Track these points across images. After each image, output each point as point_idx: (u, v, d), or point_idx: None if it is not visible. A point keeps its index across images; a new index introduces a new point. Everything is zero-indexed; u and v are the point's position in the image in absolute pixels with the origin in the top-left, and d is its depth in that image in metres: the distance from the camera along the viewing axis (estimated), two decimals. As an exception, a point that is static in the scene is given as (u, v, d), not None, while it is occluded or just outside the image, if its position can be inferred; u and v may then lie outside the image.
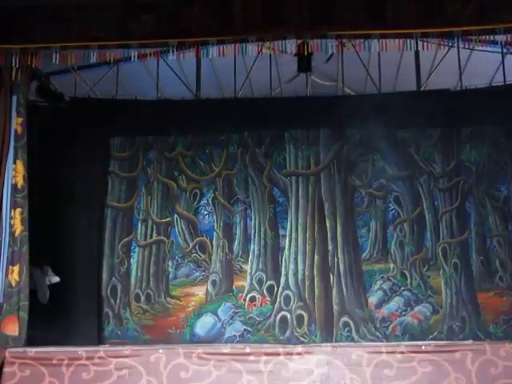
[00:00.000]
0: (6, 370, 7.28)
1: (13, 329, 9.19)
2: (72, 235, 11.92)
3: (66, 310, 10.88)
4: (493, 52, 11.67)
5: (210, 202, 12.98)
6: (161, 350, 7.52)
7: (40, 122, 11.12)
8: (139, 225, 12.91)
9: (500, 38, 10.26)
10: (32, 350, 7.79)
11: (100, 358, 7.46)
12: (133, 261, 12.75)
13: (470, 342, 7.90)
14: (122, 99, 13.32)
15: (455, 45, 10.78)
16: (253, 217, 12.79)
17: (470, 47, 11.25)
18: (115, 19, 9.82)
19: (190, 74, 13.82)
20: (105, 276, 12.58)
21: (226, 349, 7.62)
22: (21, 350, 7.91)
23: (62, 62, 10.82)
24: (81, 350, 7.65)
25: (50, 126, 11.83)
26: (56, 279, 11.02)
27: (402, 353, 7.27)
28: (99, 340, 11.69)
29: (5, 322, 9.17)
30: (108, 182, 12.97)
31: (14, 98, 9.97)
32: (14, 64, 9.95)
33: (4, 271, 9.37)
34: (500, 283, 12.00)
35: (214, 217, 12.91)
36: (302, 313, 11.99)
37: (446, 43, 10.46)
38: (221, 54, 10.41)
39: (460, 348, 7.32)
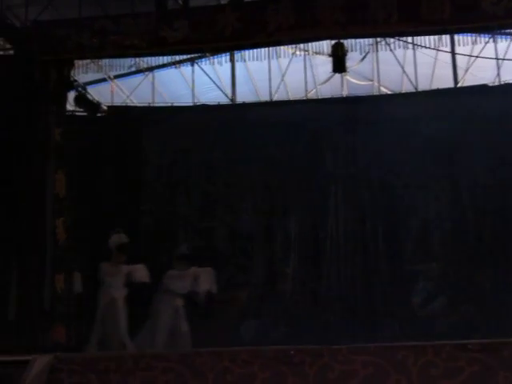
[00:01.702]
0: (54, 376, 7.28)
1: (60, 336, 9.36)
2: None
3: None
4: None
5: (249, 206, 12.95)
6: (206, 354, 7.53)
7: (79, 131, 11.24)
8: (180, 230, 12.92)
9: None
10: (79, 357, 7.83)
11: (147, 362, 7.46)
12: (175, 266, 12.74)
13: (517, 338, 7.74)
14: (158, 106, 13.45)
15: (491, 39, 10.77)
16: (293, 220, 12.74)
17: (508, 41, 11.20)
18: (149, 27, 9.92)
19: (225, 78, 13.94)
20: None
21: (271, 352, 7.57)
22: (68, 356, 7.96)
23: (98, 71, 11.03)
24: (127, 355, 7.69)
25: (88, 135, 11.92)
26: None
27: (448, 352, 7.15)
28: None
29: (52, 329, 9.35)
30: (147, 189, 13.03)
31: (53, 109, 10.16)
32: (51, 75, 10.13)
33: (50, 279, 9.56)
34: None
35: (255, 221, 12.88)
36: (346, 314, 11.92)
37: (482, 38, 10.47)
38: (255, 58, 10.49)
39: (507, 346, 7.18)
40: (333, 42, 10.44)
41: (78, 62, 10.77)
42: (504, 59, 12.54)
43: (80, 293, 10.53)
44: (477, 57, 12.25)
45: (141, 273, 10.32)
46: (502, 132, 12.08)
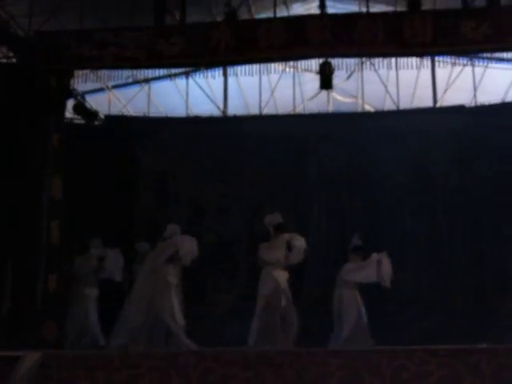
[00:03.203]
0: (43, 372, 7.37)
1: (51, 334, 9.65)
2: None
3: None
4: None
5: (237, 213, 13.25)
6: (190, 353, 7.79)
7: (76, 138, 11.51)
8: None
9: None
10: (68, 354, 8.06)
11: (133, 361, 7.56)
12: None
13: (485, 345, 8.04)
14: (153, 117, 13.76)
15: (469, 63, 11.08)
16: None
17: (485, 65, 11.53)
18: (147, 41, 10.23)
19: (218, 92, 14.26)
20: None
21: (253, 353, 7.80)
22: (58, 353, 8.20)
23: (96, 81, 11.30)
24: (114, 354, 7.91)
25: (85, 142, 12.22)
26: None
27: (419, 357, 7.34)
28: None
29: (43, 327, 9.65)
30: (140, 196, 13.31)
31: (53, 116, 10.48)
32: (51, 84, 10.45)
33: (43, 280, 9.87)
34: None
35: (242, 227, 13.15)
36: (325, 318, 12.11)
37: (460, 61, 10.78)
38: (247, 73, 10.83)
39: (475, 352, 7.41)
40: (321, 60, 10.74)
41: (78, 72, 11.06)
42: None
43: None
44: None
45: (299, 241, 10.01)
46: (476, 150, 12.52)
